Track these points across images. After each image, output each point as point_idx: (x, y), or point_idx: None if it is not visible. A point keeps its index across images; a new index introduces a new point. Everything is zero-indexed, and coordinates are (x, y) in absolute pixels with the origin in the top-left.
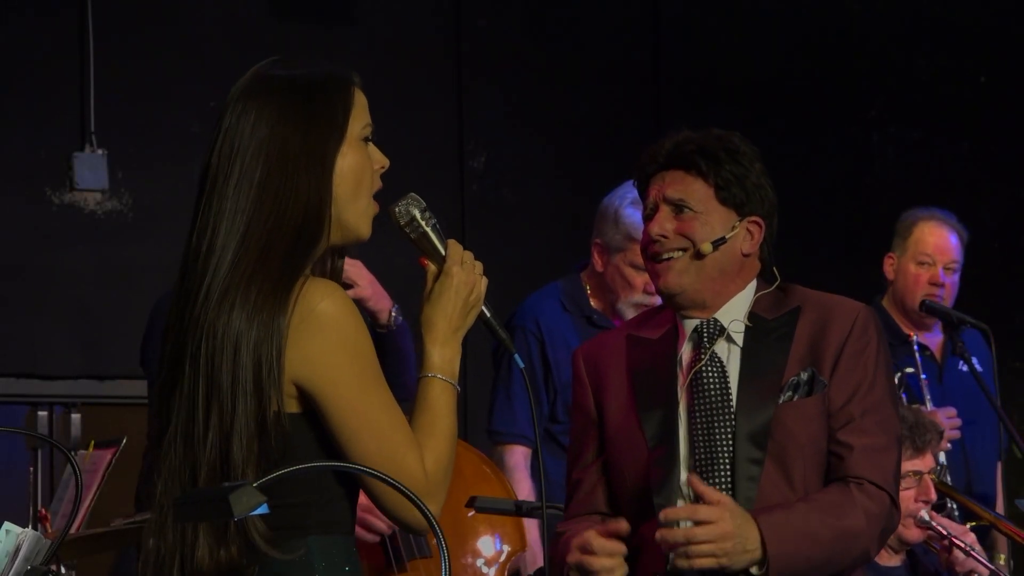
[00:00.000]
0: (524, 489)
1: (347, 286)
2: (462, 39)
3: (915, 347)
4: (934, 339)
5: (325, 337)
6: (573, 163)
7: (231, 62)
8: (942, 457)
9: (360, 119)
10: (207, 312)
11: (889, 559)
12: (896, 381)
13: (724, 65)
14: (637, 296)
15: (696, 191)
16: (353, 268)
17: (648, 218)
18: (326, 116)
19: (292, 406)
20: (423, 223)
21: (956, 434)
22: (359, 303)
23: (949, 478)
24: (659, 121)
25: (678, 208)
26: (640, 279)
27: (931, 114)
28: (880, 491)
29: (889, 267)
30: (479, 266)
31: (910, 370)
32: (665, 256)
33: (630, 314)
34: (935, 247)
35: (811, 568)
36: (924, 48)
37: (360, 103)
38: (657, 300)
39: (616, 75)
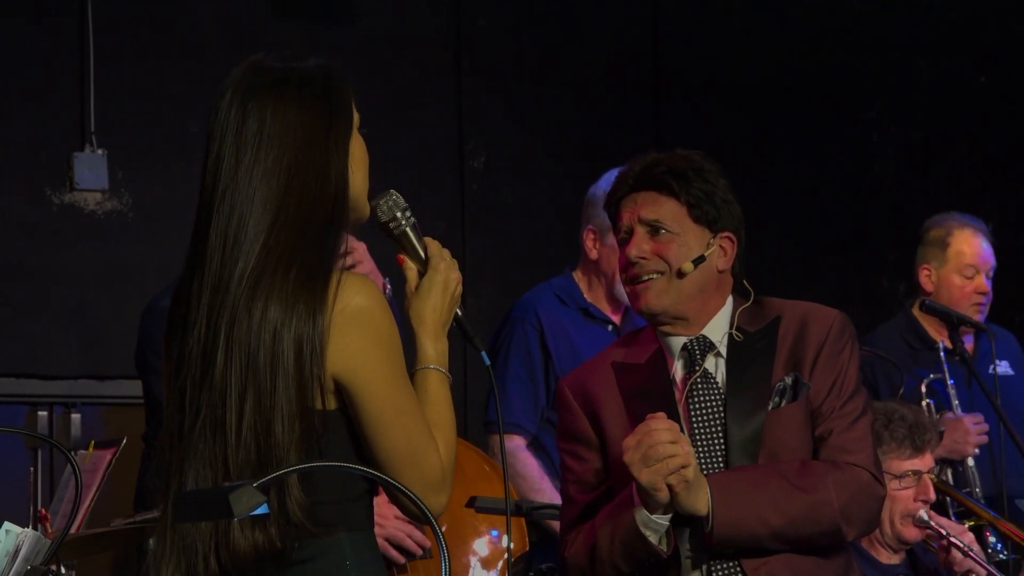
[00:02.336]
0: (532, 466)
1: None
2: (462, 39)
3: (942, 352)
4: (967, 343)
5: (363, 333)
6: (573, 163)
7: (231, 62)
8: (971, 461)
9: (356, 110)
10: (241, 298)
11: (889, 557)
12: (924, 388)
13: (724, 65)
14: None
15: (670, 211)
16: (357, 247)
17: (623, 242)
18: (342, 105)
19: (330, 402)
20: (403, 222)
21: (984, 439)
22: None
23: (979, 480)
24: (659, 121)
25: (654, 229)
26: None
27: (931, 114)
28: (856, 468)
29: (926, 279)
30: (456, 263)
31: (936, 376)
32: (644, 278)
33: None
34: (977, 257)
35: (772, 535)
36: (924, 48)
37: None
38: None
39: (616, 75)
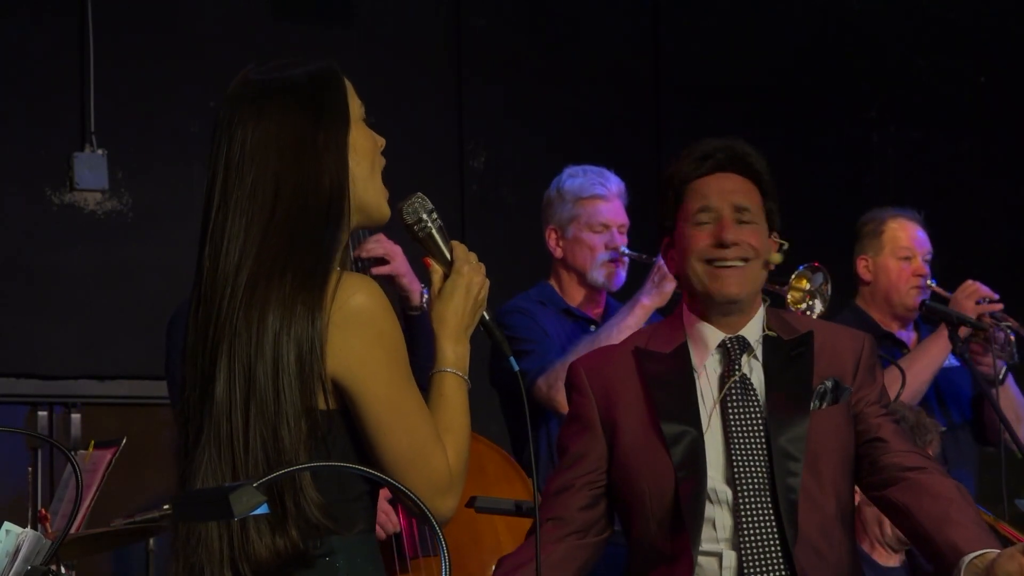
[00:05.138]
0: (579, 343)
1: (382, 261)
2: (462, 39)
3: (896, 343)
4: (909, 336)
5: (362, 332)
6: (573, 163)
7: (231, 62)
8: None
9: (355, 100)
10: (238, 307)
11: (888, 559)
12: None
13: (724, 65)
14: (601, 254)
15: (755, 200)
16: (387, 244)
17: (704, 222)
18: (332, 103)
19: (332, 402)
20: (430, 224)
21: (994, 307)
22: (393, 281)
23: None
24: (659, 121)
25: (741, 215)
26: (599, 238)
27: (931, 114)
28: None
29: (864, 269)
30: (483, 267)
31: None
32: (729, 263)
33: (602, 278)
34: (912, 240)
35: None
36: (924, 48)
37: (350, 87)
38: (624, 258)
39: (616, 75)
